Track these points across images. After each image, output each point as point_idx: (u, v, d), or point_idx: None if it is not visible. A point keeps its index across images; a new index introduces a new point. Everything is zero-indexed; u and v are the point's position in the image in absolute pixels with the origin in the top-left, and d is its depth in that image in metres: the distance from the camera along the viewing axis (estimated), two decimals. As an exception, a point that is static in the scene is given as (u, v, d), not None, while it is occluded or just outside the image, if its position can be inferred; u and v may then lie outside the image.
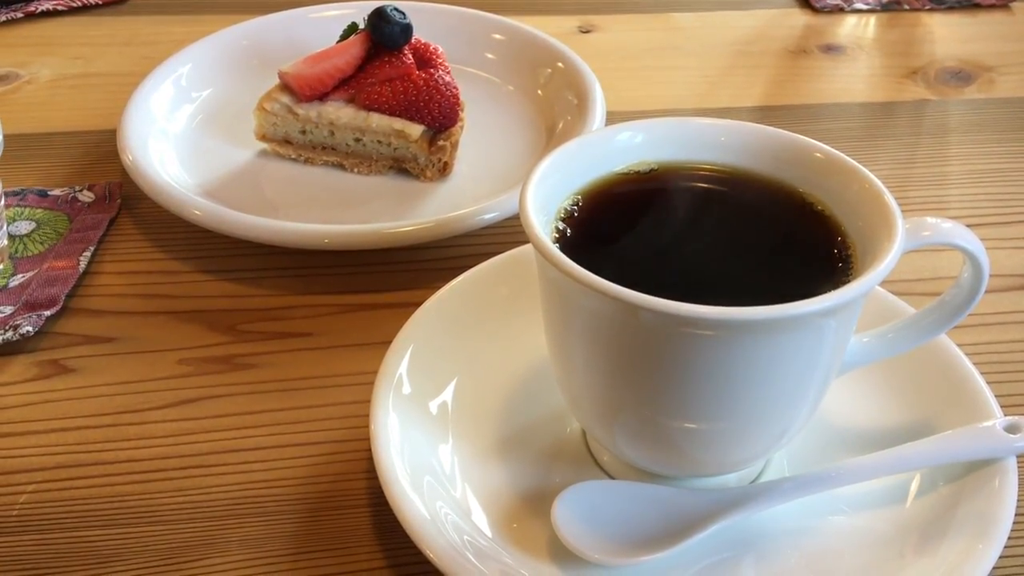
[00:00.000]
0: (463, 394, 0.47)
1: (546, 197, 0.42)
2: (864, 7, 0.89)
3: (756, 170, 0.43)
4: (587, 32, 0.86)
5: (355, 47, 0.64)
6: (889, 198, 0.39)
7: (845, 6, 0.89)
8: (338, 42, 0.66)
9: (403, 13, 0.65)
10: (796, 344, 0.36)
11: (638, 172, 0.44)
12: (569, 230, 0.41)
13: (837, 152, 0.42)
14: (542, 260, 0.39)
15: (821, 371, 0.38)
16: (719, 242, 0.42)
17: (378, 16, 0.64)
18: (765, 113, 0.76)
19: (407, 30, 0.65)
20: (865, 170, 0.40)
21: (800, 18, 0.88)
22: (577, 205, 0.42)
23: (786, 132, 0.44)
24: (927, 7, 0.89)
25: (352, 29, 0.66)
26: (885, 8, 0.89)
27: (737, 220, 0.43)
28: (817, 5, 0.88)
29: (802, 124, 0.74)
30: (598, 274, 0.36)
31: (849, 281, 0.37)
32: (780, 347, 0.36)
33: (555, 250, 0.38)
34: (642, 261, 0.41)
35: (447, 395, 0.47)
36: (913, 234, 0.39)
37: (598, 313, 0.38)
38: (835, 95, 0.78)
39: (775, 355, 0.36)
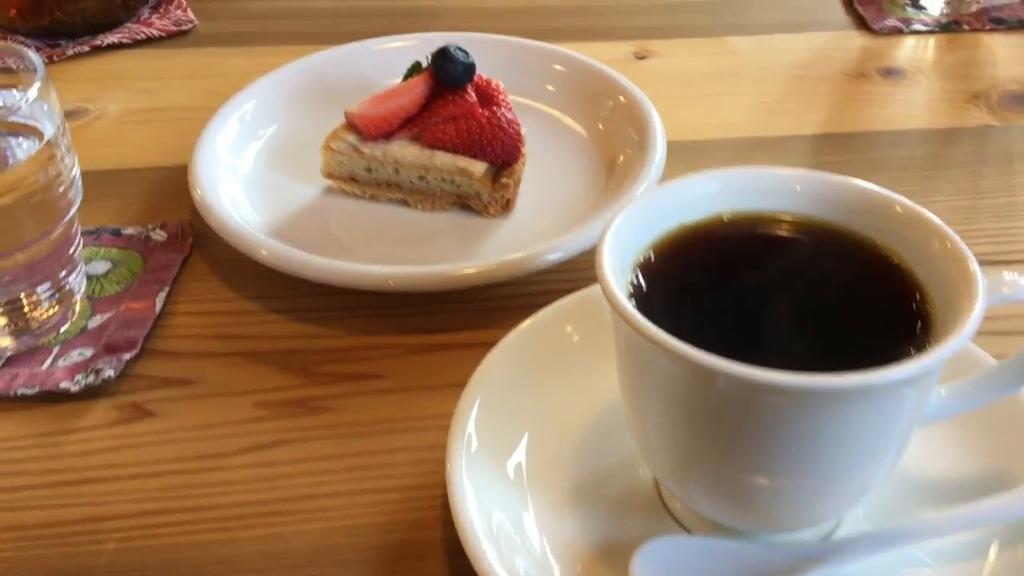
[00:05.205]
0: (535, 442, 0.47)
1: (621, 251, 0.42)
2: (923, 28, 0.88)
3: (833, 221, 0.43)
4: (643, 58, 0.86)
5: (419, 86, 0.65)
6: (970, 257, 0.39)
7: (904, 27, 0.88)
8: (402, 81, 0.67)
9: (466, 52, 0.65)
10: (877, 408, 0.36)
11: (712, 223, 0.44)
12: (644, 285, 0.42)
13: (918, 207, 0.41)
14: (618, 318, 0.39)
15: (901, 431, 0.38)
16: (797, 296, 0.42)
17: (442, 56, 0.65)
18: (826, 141, 0.75)
19: (470, 69, 0.65)
20: (946, 227, 0.40)
21: (858, 40, 0.88)
22: (651, 259, 0.43)
23: (864, 183, 0.43)
24: (987, 27, 0.88)
25: (416, 68, 0.67)
26: (944, 29, 0.88)
27: (815, 273, 0.43)
28: (875, 27, 0.88)
29: (864, 152, 0.74)
30: (674, 331, 0.37)
31: (930, 341, 0.37)
32: (861, 412, 0.36)
33: (632, 310, 0.38)
34: (717, 318, 0.41)
35: (520, 444, 0.47)
36: (992, 291, 0.39)
37: (674, 374, 0.38)
38: (896, 121, 0.77)
39: (856, 419, 0.37)
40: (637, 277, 0.42)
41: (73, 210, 0.58)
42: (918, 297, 0.40)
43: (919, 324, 0.39)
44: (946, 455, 0.46)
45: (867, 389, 0.35)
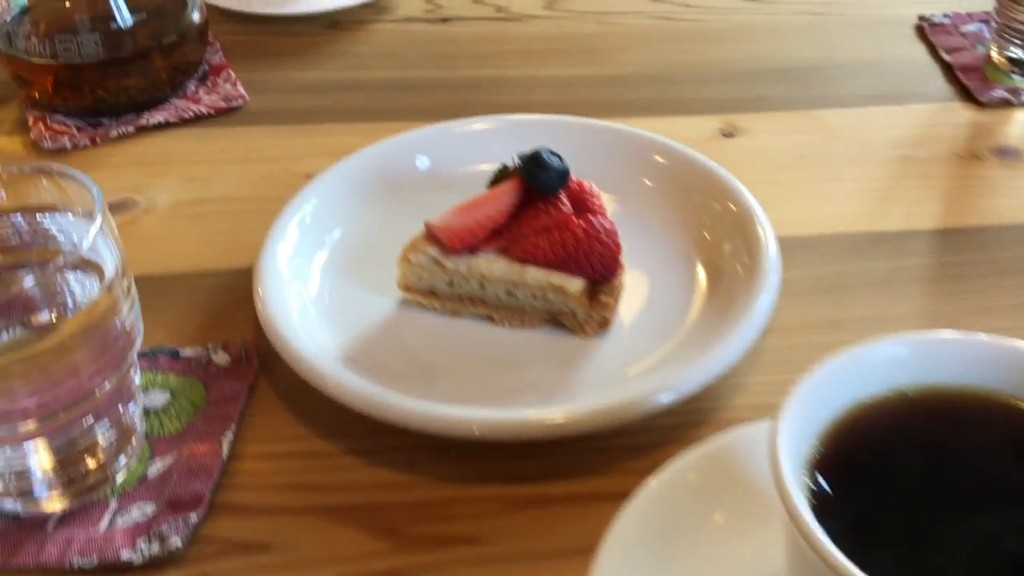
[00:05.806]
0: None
1: (793, 447, 0.36)
2: (1034, 100, 0.81)
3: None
4: (729, 136, 0.79)
5: (507, 195, 0.59)
6: None
7: (1013, 100, 0.81)
8: (488, 187, 0.60)
9: (559, 156, 0.59)
10: None
11: (896, 401, 0.38)
12: (824, 493, 0.35)
13: None
14: (800, 540, 0.33)
15: None
16: (1007, 511, 0.35)
17: (533, 162, 0.58)
18: (944, 238, 0.68)
19: (564, 175, 0.59)
20: None
21: (964, 114, 0.81)
22: (828, 454, 0.36)
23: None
24: (1106, 99, 0.81)
25: (503, 173, 0.60)
26: (1058, 101, 0.81)
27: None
28: (982, 98, 0.81)
29: (987, 251, 0.67)
30: (862, 560, 0.31)
31: None
32: None
33: (826, 543, 0.32)
34: (913, 543, 0.35)
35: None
36: None
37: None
38: (1019, 213, 0.70)
39: None
40: (814, 481, 0.36)
41: (135, 346, 0.52)
42: None
43: None
44: None
45: None
